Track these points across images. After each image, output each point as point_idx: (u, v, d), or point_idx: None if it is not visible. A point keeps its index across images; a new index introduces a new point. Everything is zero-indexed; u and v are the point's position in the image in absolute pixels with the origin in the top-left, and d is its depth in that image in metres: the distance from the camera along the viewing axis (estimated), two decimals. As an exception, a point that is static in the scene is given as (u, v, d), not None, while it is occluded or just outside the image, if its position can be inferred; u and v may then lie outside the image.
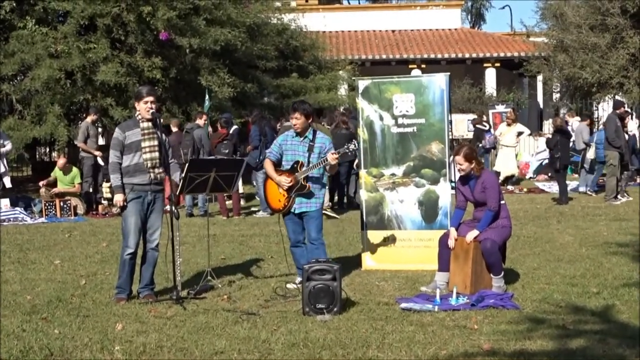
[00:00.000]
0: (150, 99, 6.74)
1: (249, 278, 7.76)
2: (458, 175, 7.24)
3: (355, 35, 30.57)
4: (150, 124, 6.76)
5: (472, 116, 23.56)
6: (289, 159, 7.30)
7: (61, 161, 14.45)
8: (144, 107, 6.74)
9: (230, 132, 13.81)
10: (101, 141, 19.36)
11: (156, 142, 6.75)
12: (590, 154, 16.20)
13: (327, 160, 7.08)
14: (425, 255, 7.94)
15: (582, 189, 16.43)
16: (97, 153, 14.28)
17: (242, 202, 14.72)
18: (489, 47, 28.73)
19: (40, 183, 14.38)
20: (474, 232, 6.87)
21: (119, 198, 6.73)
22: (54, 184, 14.24)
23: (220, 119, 14.08)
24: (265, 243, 10.13)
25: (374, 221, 8.33)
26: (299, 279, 7.01)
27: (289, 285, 7.18)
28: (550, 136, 16.21)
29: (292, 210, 7.26)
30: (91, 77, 16.44)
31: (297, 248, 7.39)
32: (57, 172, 14.27)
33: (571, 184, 16.50)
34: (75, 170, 14.30)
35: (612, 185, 14.19)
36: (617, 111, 14.60)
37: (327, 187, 7.97)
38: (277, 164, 7.38)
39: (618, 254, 8.61)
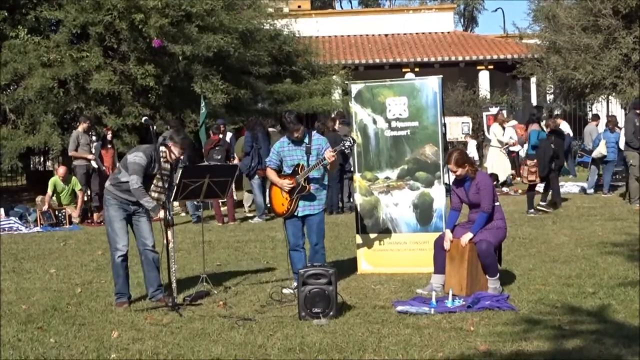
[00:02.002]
0: (184, 150, 6.92)
1: (245, 284, 7.75)
2: (453, 177, 7.24)
3: (348, 40, 30.60)
4: (169, 165, 6.93)
5: (466, 119, 23.62)
6: (289, 164, 7.34)
7: (62, 170, 14.14)
8: (178, 153, 6.85)
9: (227, 139, 13.83)
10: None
11: (167, 185, 6.92)
12: (595, 153, 16.12)
13: (325, 159, 7.11)
14: (420, 258, 7.93)
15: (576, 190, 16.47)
16: (90, 157, 14.22)
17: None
18: (482, 50, 28.78)
19: (39, 199, 13.92)
20: (468, 235, 6.86)
21: (162, 215, 6.73)
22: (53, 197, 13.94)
23: (213, 125, 14.09)
24: (261, 249, 10.12)
25: (369, 225, 8.33)
26: (294, 284, 7.00)
27: (284, 290, 7.17)
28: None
29: (296, 213, 7.29)
30: (84, 85, 16.42)
31: (295, 252, 7.38)
32: (55, 183, 13.93)
33: (565, 186, 16.52)
34: (74, 179, 14.12)
35: (635, 186, 13.68)
36: (638, 111, 13.76)
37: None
38: (279, 171, 7.42)
39: (613, 254, 8.62)
